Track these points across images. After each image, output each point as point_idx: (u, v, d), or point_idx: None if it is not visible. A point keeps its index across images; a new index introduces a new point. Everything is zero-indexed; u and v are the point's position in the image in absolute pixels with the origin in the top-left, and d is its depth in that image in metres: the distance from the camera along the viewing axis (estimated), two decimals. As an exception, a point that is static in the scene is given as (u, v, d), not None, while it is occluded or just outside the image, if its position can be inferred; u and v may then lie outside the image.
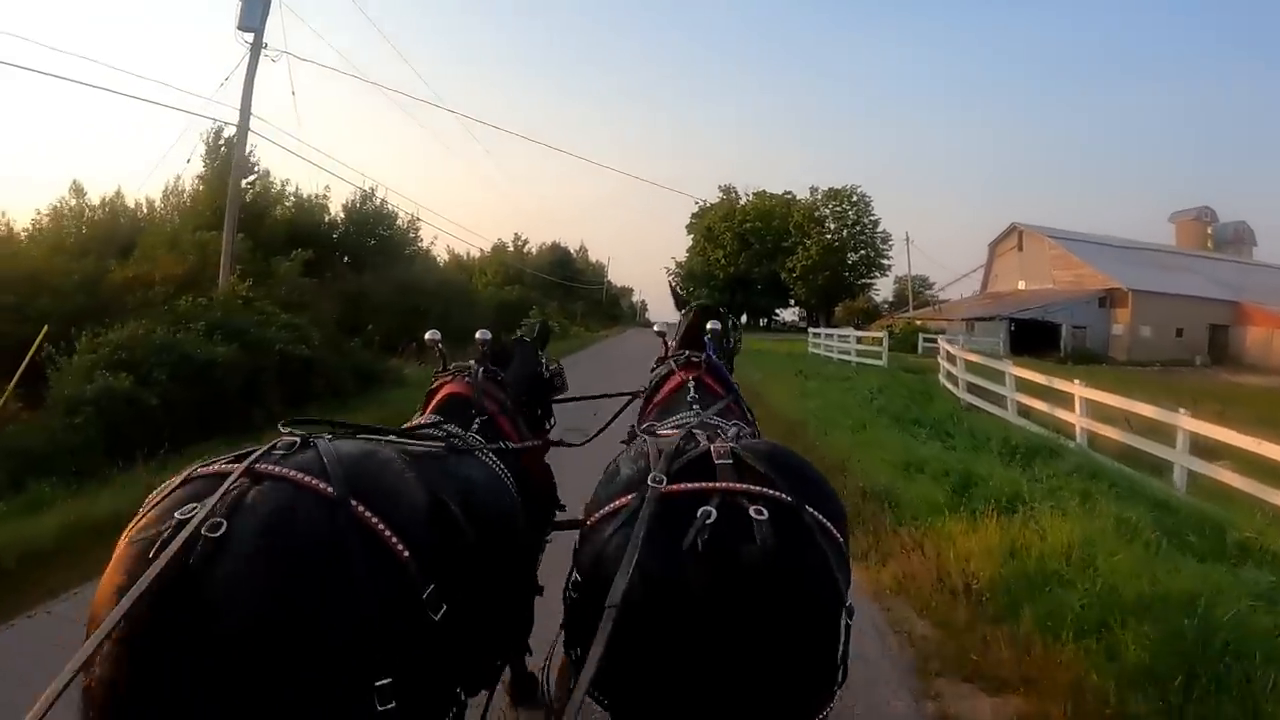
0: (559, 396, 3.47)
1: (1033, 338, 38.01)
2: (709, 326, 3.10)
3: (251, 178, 21.56)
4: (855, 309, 60.13)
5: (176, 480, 1.49)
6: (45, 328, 8.38)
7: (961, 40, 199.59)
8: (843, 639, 1.69)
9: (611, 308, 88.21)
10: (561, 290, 61.96)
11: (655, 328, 3.39)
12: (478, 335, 3.06)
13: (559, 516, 2.97)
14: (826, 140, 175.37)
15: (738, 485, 1.67)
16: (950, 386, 15.72)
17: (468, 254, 51.00)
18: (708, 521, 1.57)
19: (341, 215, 26.63)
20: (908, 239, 60.73)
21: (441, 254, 46.65)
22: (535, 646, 2.53)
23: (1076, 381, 10.21)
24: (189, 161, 14.81)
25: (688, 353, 2.96)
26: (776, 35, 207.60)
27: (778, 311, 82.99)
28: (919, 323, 42.33)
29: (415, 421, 2.47)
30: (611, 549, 1.66)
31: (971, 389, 13.93)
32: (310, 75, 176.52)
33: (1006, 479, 7.16)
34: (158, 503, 1.44)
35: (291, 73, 44.60)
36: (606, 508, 1.79)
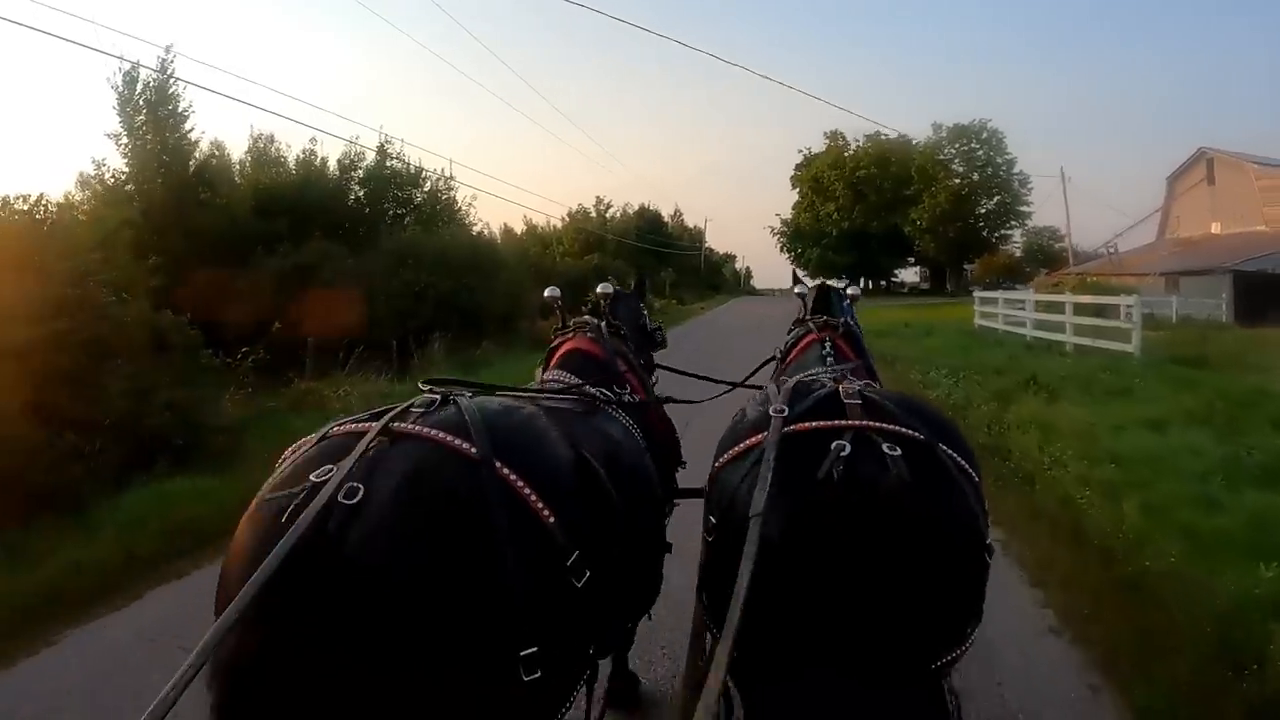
0: (663, 365, 3.37)
1: (1261, 298, 27.03)
2: (848, 292, 3.22)
3: (188, 128, 15.57)
4: (995, 265, 50.55)
5: (314, 437, 1.44)
6: None
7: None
8: (982, 577, 1.60)
9: (712, 276, 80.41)
10: (652, 258, 55.42)
11: (796, 289, 3.47)
12: (599, 289, 3.07)
13: (679, 476, 2.76)
14: (939, 71, 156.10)
15: (870, 423, 1.62)
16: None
17: (547, 222, 46.66)
18: (842, 454, 1.52)
19: (337, 175, 20.61)
20: (1063, 176, 47.49)
21: (518, 225, 41.90)
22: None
23: None
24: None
25: (825, 316, 2.95)
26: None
27: (896, 272, 73.08)
28: (1092, 279, 31.76)
29: (540, 378, 2.48)
30: (746, 488, 1.56)
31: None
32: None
33: None
34: (292, 460, 1.39)
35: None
36: (735, 449, 1.72)
